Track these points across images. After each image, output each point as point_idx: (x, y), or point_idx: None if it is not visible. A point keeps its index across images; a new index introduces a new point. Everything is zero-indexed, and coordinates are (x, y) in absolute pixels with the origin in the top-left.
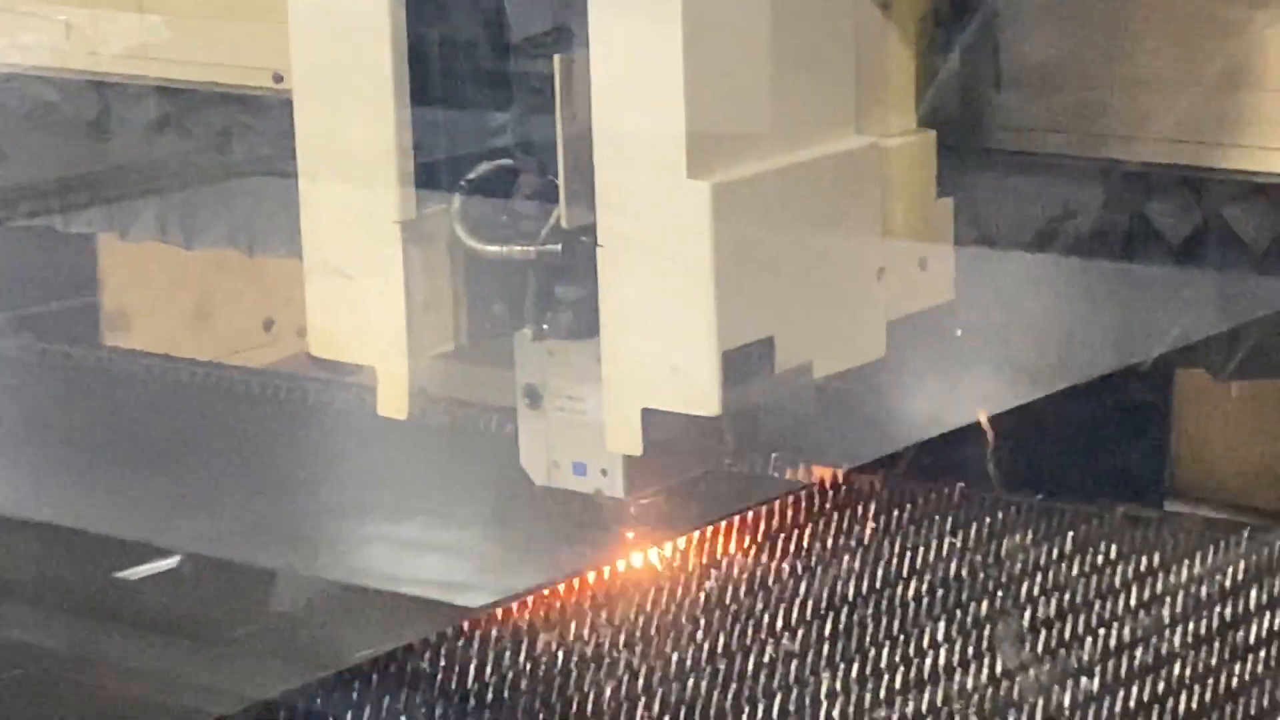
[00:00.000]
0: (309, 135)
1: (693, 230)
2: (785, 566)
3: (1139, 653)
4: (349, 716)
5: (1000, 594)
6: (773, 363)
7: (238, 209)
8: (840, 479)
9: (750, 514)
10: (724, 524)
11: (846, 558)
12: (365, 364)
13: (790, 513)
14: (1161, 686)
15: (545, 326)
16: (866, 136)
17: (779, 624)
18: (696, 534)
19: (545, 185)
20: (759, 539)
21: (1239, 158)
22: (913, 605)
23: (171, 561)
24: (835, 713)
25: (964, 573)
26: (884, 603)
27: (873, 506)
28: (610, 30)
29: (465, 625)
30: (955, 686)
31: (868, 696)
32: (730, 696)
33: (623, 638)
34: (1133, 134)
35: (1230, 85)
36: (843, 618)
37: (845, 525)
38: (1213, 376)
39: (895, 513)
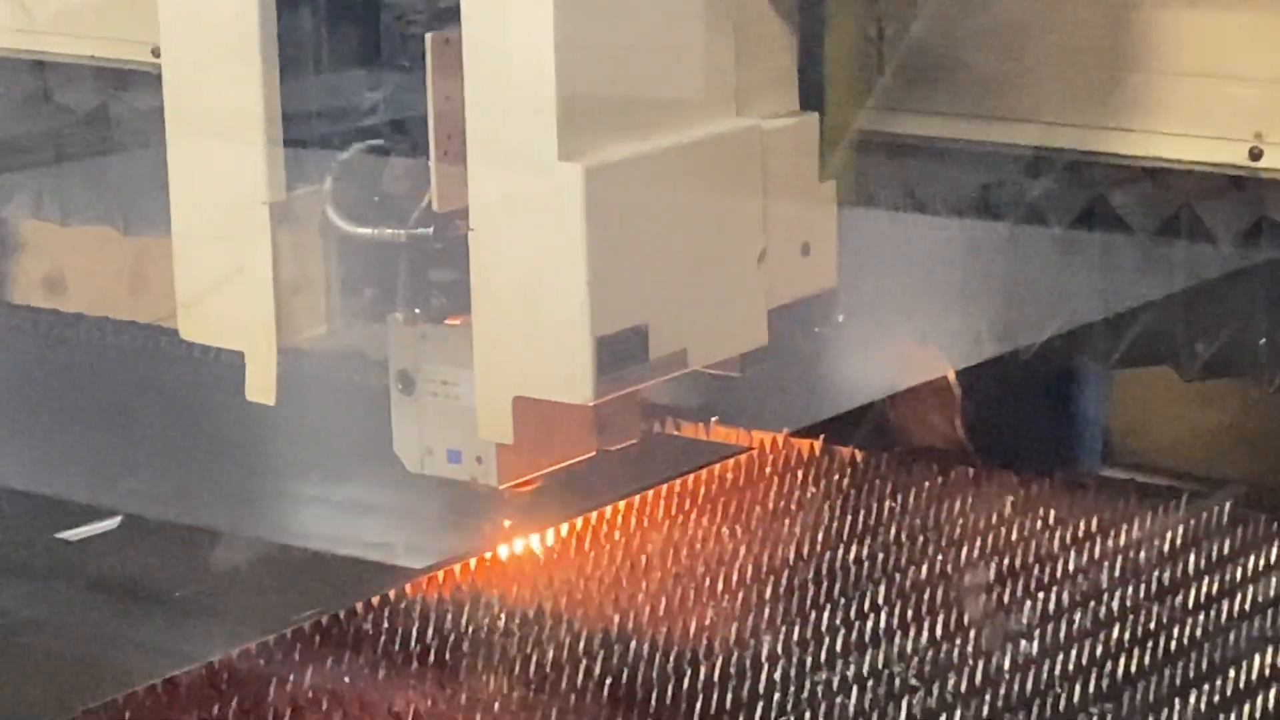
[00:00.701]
0: (177, 113)
1: (565, 214)
2: (725, 530)
3: (1078, 616)
4: (291, 678)
5: (939, 558)
6: (647, 350)
7: (114, 186)
8: (780, 443)
9: (690, 478)
10: (664, 488)
11: (786, 521)
12: (233, 348)
13: (730, 477)
14: (1100, 650)
15: (417, 311)
16: (747, 119)
17: (719, 587)
18: (636, 498)
19: (417, 166)
20: (699, 503)
21: (1126, 142)
22: (853, 569)
23: (112, 523)
24: (776, 675)
25: (903, 537)
26: (824, 567)
27: (812, 471)
28: (482, 9)
29: (407, 588)
30: (895, 649)
31: (809, 659)
32: (671, 660)
33: (564, 601)
34: (1019, 117)
35: (1118, 68)
36: (783, 581)
37: (785, 489)
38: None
39: (835, 477)
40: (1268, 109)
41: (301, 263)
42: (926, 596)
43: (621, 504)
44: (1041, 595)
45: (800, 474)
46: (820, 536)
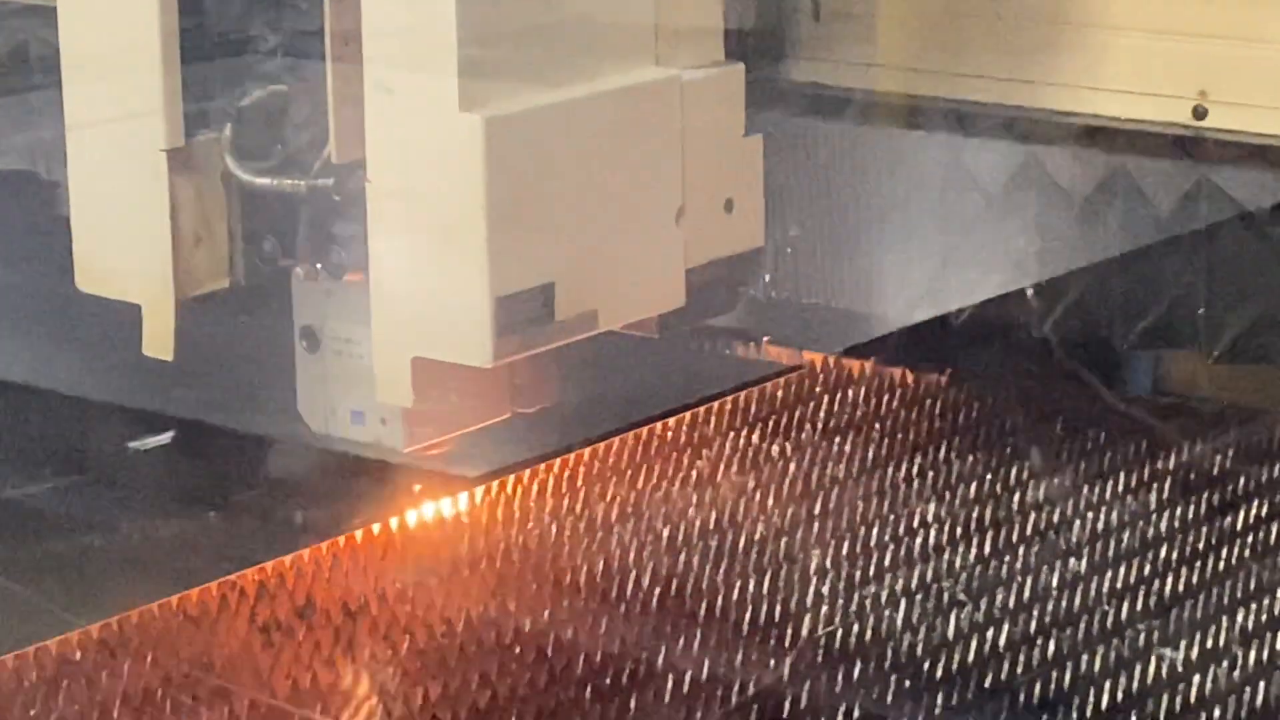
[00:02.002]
0: (72, 53)
1: (464, 167)
2: (775, 448)
3: (1126, 536)
4: (344, 583)
5: (990, 478)
6: (553, 310)
7: (34, 127)
8: (831, 363)
9: (742, 396)
10: (716, 405)
11: (837, 439)
12: (130, 300)
13: (781, 395)
14: (1148, 568)
15: (319, 265)
16: (666, 68)
17: (769, 502)
18: (688, 415)
19: (319, 114)
20: (750, 421)
21: (1062, 98)
22: (903, 486)
23: (166, 436)
24: (825, 588)
25: (953, 456)
26: (874, 483)
27: (863, 390)
28: None
29: (460, 496)
30: (944, 565)
31: (857, 573)
32: (721, 571)
33: (615, 512)
34: (956, 71)
35: (1055, 21)
36: (833, 497)
37: (835, 408)
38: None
39: (885, 396)
40: (1213, 66)
41: (203, 213)
42: (976, 514)
43: (672, 420)
44: (1090, 514)
45: (850, 393)
46: (870, 454)
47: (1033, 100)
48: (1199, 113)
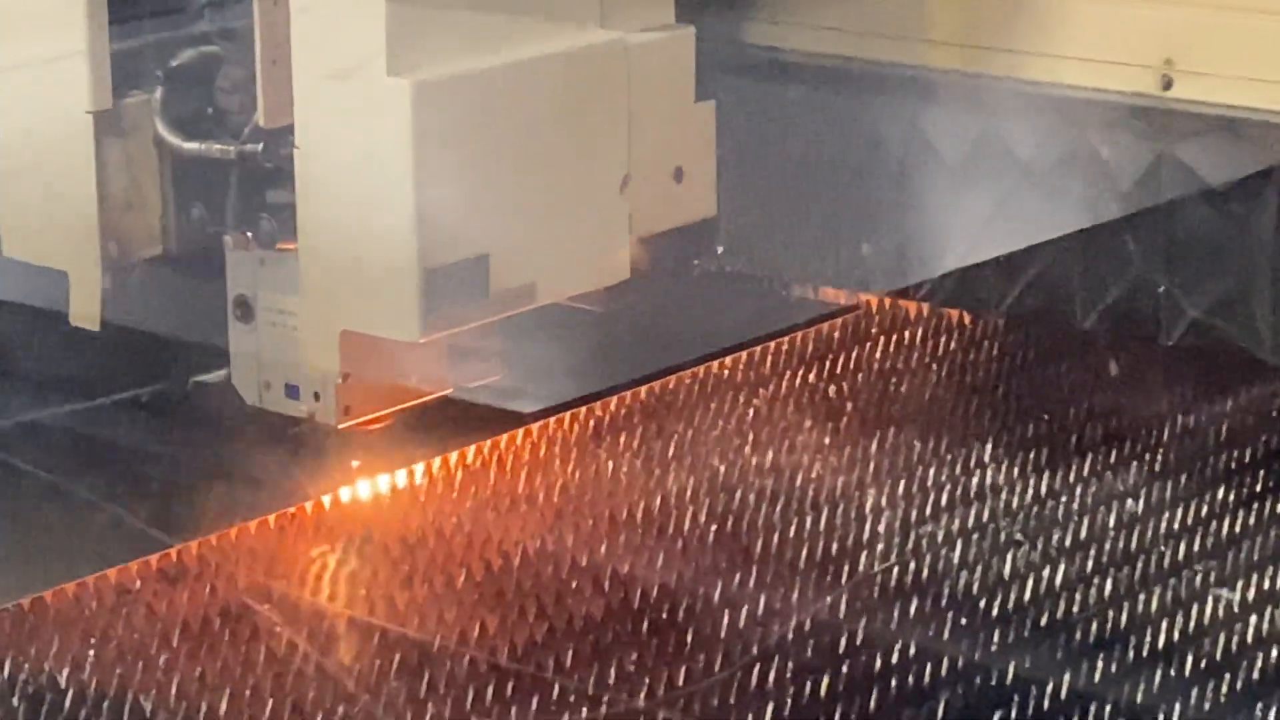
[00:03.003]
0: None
1: (392, 133)
2: (832, 387)
3: (1184, 478)
4: (403, 515)
5: (1045, 418)
6: (487, 283)
7: None
8: (886, 305)
9: (799, 336)
10: (772, 344)
11: (893, 380)
12: (56, 267)
13: (837, 335)
14: (1205, 509)
15: (249, 234)
16: (611, 31)
17: (826, 440)
18: (744, 354)
19: (249, 78)
20: (806, 360)
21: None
22: (960, 427)
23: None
24: (881, 527)
25: (1011, 398)
26: (931, 423)
27: (919, 331)
28: None
29: (519, 433)
30: (1001, 504)
31: (914, 512)
32: (778, 510)
33: (671, 450)
34: (905, 34)
35: None
36: (889, 436)
37: (891, 349)
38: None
39: (942, 338)
40: (1180, 33)
41: (133, 178)
42: (1033, 455)
43: (729, 359)
44: (1147, 456)
45: (906, 334)
46: (927, 395)
47: (992, 67)
48: (1165, 83)
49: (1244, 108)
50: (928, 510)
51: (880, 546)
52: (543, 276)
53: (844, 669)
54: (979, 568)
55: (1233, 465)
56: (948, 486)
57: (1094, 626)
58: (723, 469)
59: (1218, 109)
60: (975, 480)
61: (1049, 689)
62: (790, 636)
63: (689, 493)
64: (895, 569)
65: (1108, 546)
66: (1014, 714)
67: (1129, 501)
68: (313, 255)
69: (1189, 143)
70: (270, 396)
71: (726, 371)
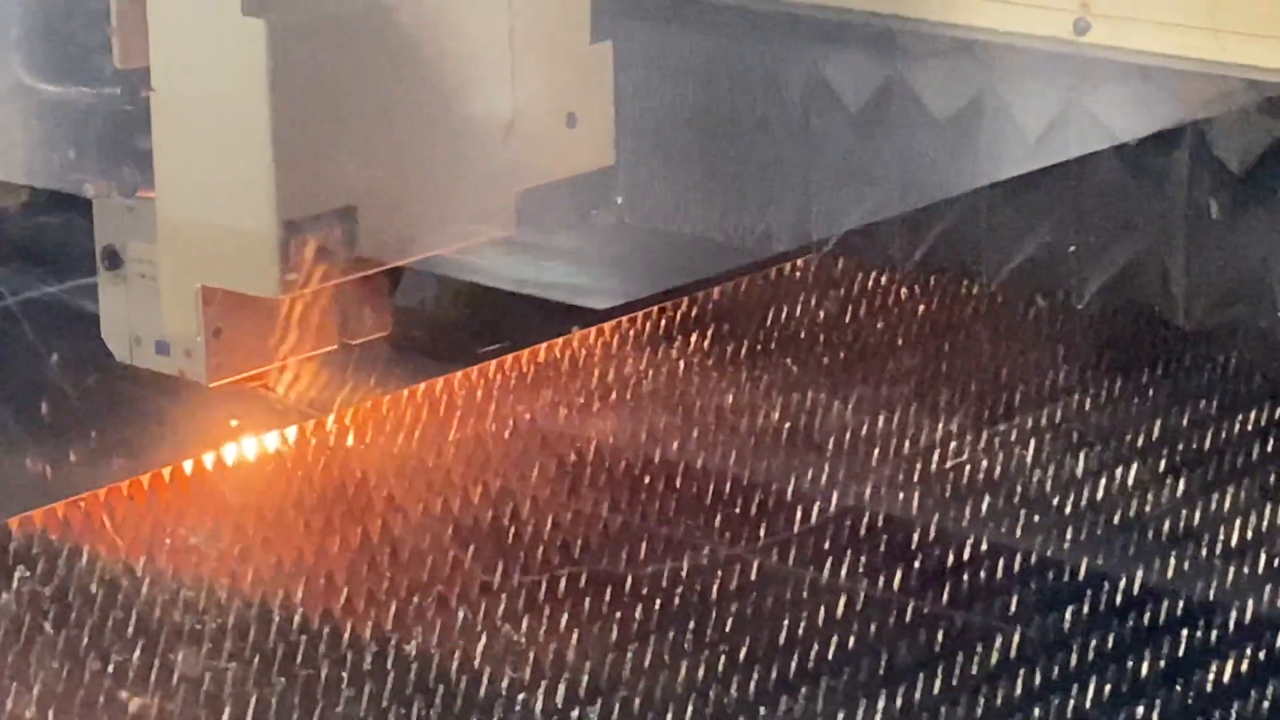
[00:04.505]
0: None
1: (247, 77)
2: (905, 289)
3: (1258, 379)
4: (475, 412)
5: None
6: (355, 237)
7: None
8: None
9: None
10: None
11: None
12: None
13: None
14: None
15: (112, 181)
16: None
17: (899, 341)
18: (817, 256)
19: (107, 15)
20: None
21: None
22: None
23: None
24: (954, 425)
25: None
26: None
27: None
28: None
29: (592, 331)
30: (1074, 405)
31: (986, 412)
32: (850, 407)
33: (744, 350)
34: None
35: None
36: (961, 340)
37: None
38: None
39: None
40: None
41: None
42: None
43: (801, 260)
44: (1221, 359)
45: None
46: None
47: (901, 9)
48: (1080, 27)
49: (1161, 54)
50: (1000, 410)
51: (953, 445)
52: (417, 230)
53: (916, 565)
54: (1051, 466)
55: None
56: (1020, 387)
57: (1166, 524)
58: (795, 369)
59: (1134, 56)
60: (1048, 382)
61: (1121, 585)
62: (863, 533)
63: (761, 391)
64: (967, 466)
65: (1180, 446)
66: (1085, 609)
67: (1201, 403)
68: (170, 206)
69: (1101, 92)
70: (140, 353)
71: (799, 272)
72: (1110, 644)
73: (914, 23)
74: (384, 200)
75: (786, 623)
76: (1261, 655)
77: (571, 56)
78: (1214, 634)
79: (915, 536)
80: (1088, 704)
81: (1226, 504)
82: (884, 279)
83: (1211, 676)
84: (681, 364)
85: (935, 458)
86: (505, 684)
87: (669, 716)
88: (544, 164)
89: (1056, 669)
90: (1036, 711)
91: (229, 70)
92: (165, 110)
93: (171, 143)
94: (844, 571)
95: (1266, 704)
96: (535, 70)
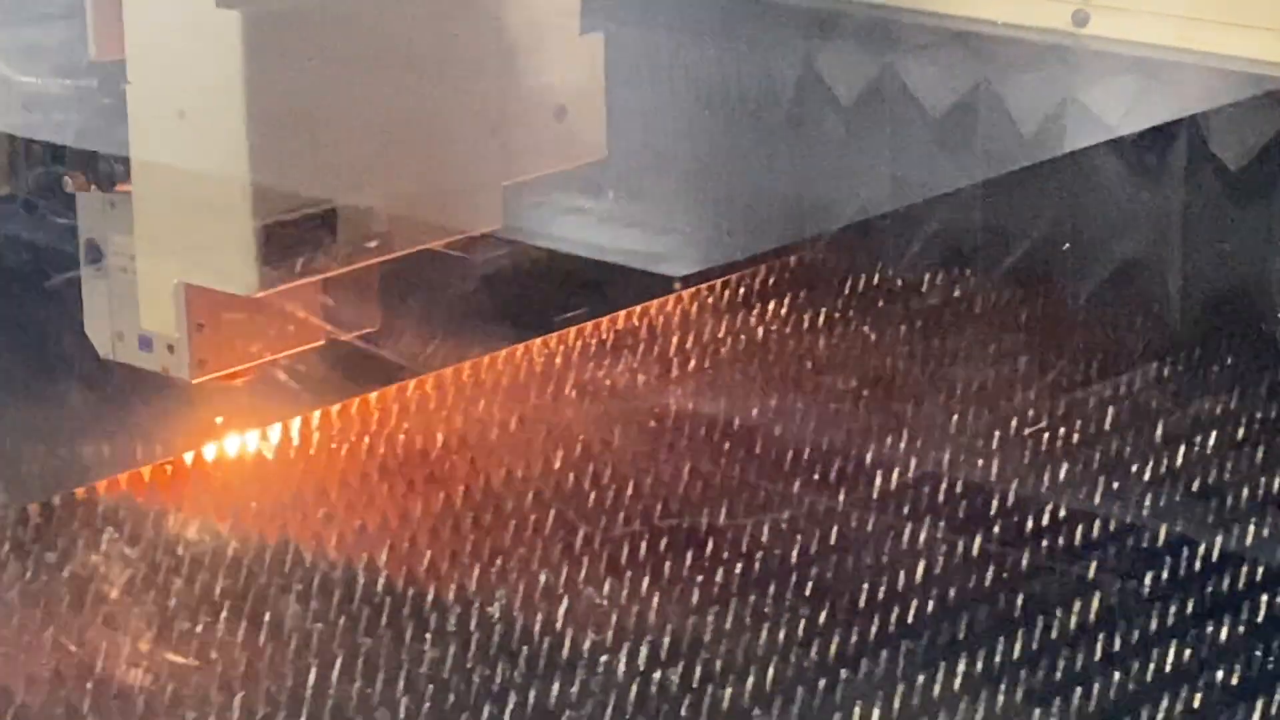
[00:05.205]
0: None
1: (222, 71)
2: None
3: None
4: (553, 379)
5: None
6: (335, 233)
7: None
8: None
9: None
10: None
11: None
12: None
13: None
14: None
15: (88, 175)
16: None
17: (976, 311)
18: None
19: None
20: None
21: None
22: None
23: None
24: (1032, 394)
25: None
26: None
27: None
28: None
29: (670, 299)
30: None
31: (1064, 380)
32: (930, 372)
33: (821, 317)
34: None
35: None
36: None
37: None
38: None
39: None
40: None
41: None
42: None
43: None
44: None
45: None
46: None
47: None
48: (1079, 19)
49: (1161, 47)
50: (1078, 378)
51: (1031, 412)
52: (400, 224)
53: (995, 529)
54: (1130, 433)
55: None
56: (1099, 355)
57: (1245, 491)
58: (874, 336)
59: (1134, 48)
60: (1126, 352)
61: (1200, 551)
62: (941, 498)
63: (840, 357)
64: (1046, 433)
65: (1259, 415)
66: (1165, 575)
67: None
68: (146, 201)
69: (1099, 85)
70: (123, 348)
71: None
72: (1190, 609)
73: (910, 13)
74: (364, 195)
75: (866, 586)
76: None
77: (561, 49)
78: None
79: (994, 502)
80: (1167, 668)
81: None
82: (963, 249)
83: None
84: (760, 330)
85: (1014, 424)
86: (587, 646)
87: (750, 679)
88: (532, 158)
89: (1136, 634)
90: (1116, 676)
91: (203, 63)
92: (140, 104)
93: (147, 137)
94: (923, 536)
95: None
96: (523, 64)
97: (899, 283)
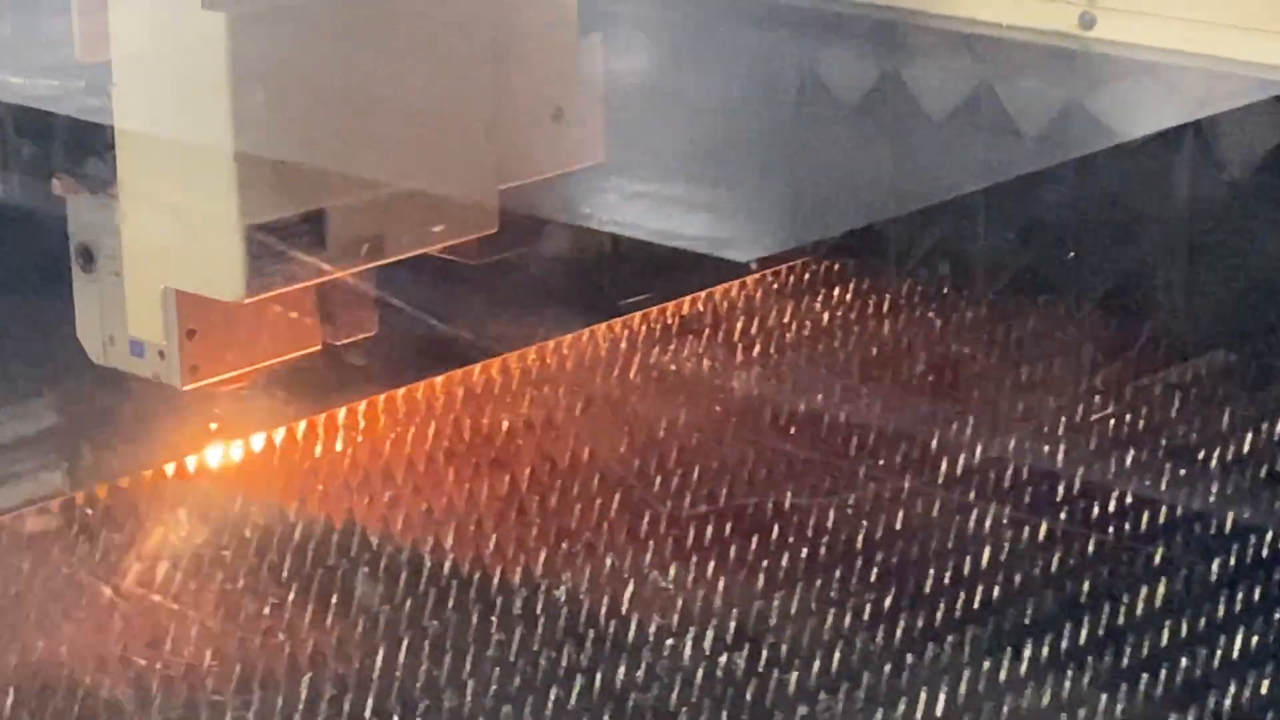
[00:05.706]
0: None
1: (208, 73)
2: None
3: None
4: (618, 363)
5: None
6: (324, 238)
7: None
8: None
9: None
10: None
11: None
12: None
13: None
14: None
15: (76, 178)
16: None
17: (1041, 299)
18: None
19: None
20: None
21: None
22: None
23: None
24: (1099, 380)
25: None
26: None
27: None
28: None
29: (735, 284)
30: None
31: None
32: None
33: (886, 303)
34: None
35: None
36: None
37: None
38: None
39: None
40: None
41: None
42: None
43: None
44: None
45: None
46: None
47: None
48: (1086, 21)
49: (1169, 50)
50: (1145, 365)
51: (1097, 399)
52: (391, 229)
53: (1061, 515)
54: (1197, 420)
55: None
56: (1165, 342)
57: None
58: (939, 323)
59: (1140, 51)
60: (1189, 337)
61: (1267, 538)
62: (1008, 484)
63: (905, 343)
64: (1112, 420)
65: None
66: (1232, 562)
67: None
68: (133, 206)
69: (1101, 90)
70: (114, 353)
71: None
72: (1256, 596)
73: (914, 15)
74: (355, 200)
75: (931, 571)
76: None
77: (558, 51)
78: None
79: (1060, 488)
80: (1234, 655)
81: None
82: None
83: None
84: (825, 316)
85: (1080, 410)
86: (653, 630)
87: (815, 664)
88: (529, 161)
89: (1203, 621)
90: (1183, 662)
91: (187, 66)
92: (127, 106)
93: (134, 140)
94: (988, 522)
95: None
96: (519, 65)
97: (964, 271)
